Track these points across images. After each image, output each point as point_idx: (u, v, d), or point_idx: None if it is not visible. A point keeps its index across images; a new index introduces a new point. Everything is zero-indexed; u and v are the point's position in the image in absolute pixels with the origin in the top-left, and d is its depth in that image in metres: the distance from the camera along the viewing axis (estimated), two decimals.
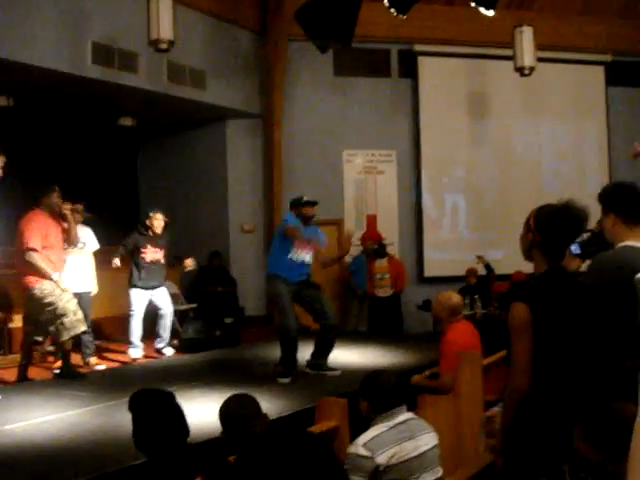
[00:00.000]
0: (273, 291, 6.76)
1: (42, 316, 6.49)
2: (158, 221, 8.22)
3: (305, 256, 6.74)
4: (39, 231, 6.47)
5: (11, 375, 6.99)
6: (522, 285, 3.03)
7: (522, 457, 2.74)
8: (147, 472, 2.85)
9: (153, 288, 8.20)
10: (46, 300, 6.42)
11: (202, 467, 2.72)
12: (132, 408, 2.92)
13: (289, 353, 6.54)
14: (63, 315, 6.37)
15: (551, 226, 2.85)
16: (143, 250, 8.09)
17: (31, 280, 6.45)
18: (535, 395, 2.73)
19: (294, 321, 6.54)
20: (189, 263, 8.70)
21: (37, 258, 6.38)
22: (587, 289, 2.91)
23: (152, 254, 8.14)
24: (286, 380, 6.35)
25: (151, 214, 8.26)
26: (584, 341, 2.77)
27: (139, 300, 8.11)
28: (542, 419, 2.73)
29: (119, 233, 9.10)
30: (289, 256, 6.66)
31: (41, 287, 6.42)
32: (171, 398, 2.96)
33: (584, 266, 4.34)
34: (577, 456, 2.34)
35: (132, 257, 8.17)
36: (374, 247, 10.79)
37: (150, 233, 8.19)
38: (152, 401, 2.93)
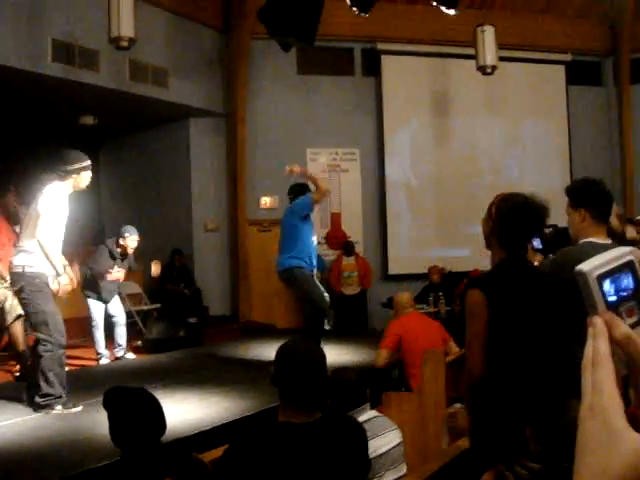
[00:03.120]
0: (301, 278, 6.82)
1: None
2: (133, 242, 7.98)
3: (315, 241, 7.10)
4: None
5: None
6: (478, 276, 3.06)
7: (484, 442, 2.77)
8: (119, 469, 2.83)
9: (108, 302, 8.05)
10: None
11: (172, 467, 2.70)
12: (106, 405, 2.91)
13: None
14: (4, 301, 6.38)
15: (510, 218, 2.87)
16: (110, 271, 7.94)
17: None
18: (491, 383, 2.76)
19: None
20: (155, 271, 8.54)
21: None
22: (546, 280, 2.94)
23: (116, 274, 7.99)
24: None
25: (126, 234, 8.02)
26: (540, 332, 2.80)
27: (98, 310, 7.92)
28: (498, 407, 2.75)
29: (81, 233, 8.97)
30: (308, 242, 6.89)
31: None
32: (145, 394, 2.96)
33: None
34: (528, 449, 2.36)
35: (89, 263, 7.89)
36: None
37: (119, 252, 8.01)
38: (126, 398, 2.92)
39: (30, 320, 5.49)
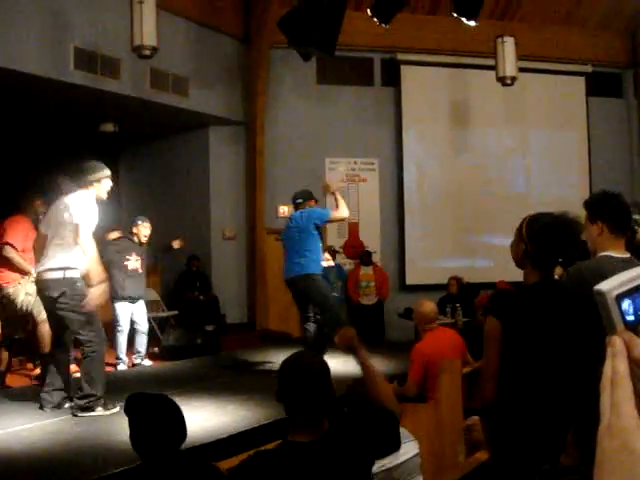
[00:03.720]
0: (321, 283, 7.05)
1: (17, 313, 6.55)
2: (146, 229, 8.11)
3: None
4: (22, 232, 6.57)
5: None
6: (500, 297, 3.05)
7: (507, 461, 2.76)
8: (138, 475, 2.84)
9: (137, 299, 8.03)
10: (19, 299, 6.57)
11: (190, 474, 2.71)
12: (128, 411, 2.92)
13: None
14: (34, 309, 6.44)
15: (544, 237, 2.84)
16: (128, 257, 7.96)
17: (6, 279, 6.53)
18: (510, 405, 2.75)
19: None
20: (177, 243, 8.56)
21: (14, 253, 6.49)
22: (570, 298, 2.93)
23: (134, 262, 8.02)
24: None
25: (139, 222, 8.13)
26: (565, 354, 2.79)
27: (125, 314, 7.91)
28: (520, 429, 2.74)
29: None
30: (321, 250, 7.16)
31: (15, 286, 6.56)
32: (167, 401, 2.97)
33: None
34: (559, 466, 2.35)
35: (110, 266, 7.72)
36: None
37: (135, 240, 8.09)
38: (148, 404, 2.93)
39: (72, 325, 5.44)
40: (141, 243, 8.08)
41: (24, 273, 6.58)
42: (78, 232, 5.36)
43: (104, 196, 5.68)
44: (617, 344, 0.80)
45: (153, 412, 2.86)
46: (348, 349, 2.79)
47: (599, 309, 0.83)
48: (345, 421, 2.48)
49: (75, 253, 5.47)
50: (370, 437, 2.43)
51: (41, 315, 6.62)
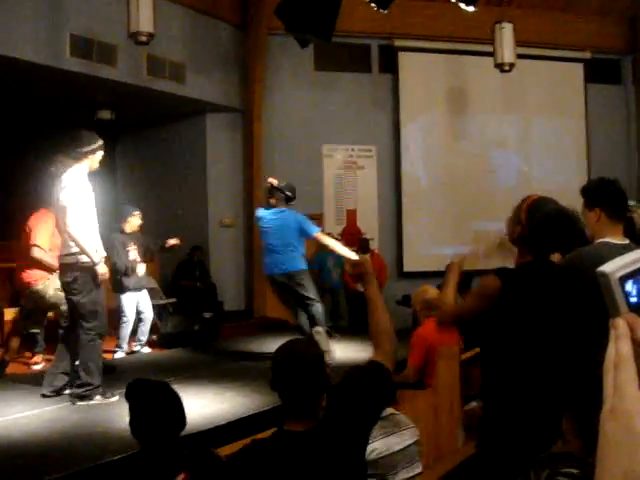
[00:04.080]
0: (309, 278, 7.16)
1: (41, 307, 6.70)
2: (135, 218, 8.04)
3: None
4: (47, 231, 6.60)
5: None
6: (501, 268, 3.03)
7: (497, 453, 2.75)
8: (137, 461, 2.85)
9: (141, 288, 7.98)
10: (48, 294, 6.63)
11: (189, 461, 2.72)
12: (129, 397, 2.93)
13: None
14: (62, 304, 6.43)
15: (543, 229, 2.83)
16: (128, 247, 7.92)
17: (34, 277, 6.65)
18: (507, 391, 2.75)
19: None
20: (172, 241, 8.48)
21: (43, 254, 6.58)
22: (566, 281, 2.92)
23: (134, 252, 7.97)
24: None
25: (130, 212, 8.09)
26: (557, 331, 2.78)
27: (131, 305, 7.86)
28: (513, 414, 2.74)
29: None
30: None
31: (44, 283, 6.63)
32: (167, 388, 2.98)
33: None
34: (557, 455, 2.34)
35: (112, 259, 7.59)
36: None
37: (128, 230, 8.03)
38: (148, 390, 2.94)
39: (79, 310, 5.41)
40: (132, 231, 8.01)
41: (53, 270, 6.54)
42: (65, 215, 5.32)
43: (96, 166, 5.61)
44: (621, 326, 0.79)
45: (154, 398, 2.87)
46: (359, 277, 2.73)
47: (602, 291, 0.82)
48: (337, 401, 2.43)
49: (86, 237, 5.44)
50: (364, 396, 2.39)
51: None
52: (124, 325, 7.83)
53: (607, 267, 0.82)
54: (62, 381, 5.53)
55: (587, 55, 12.95)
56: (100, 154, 5.61)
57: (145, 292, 8.17)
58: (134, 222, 8.00)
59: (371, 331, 2.59)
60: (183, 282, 10.75)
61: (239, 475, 2.28)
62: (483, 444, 2.93)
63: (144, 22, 8.11)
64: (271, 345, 7.68)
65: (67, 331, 5.75)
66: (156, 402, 2.85)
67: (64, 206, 5.32)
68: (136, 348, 8.12)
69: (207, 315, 9.83)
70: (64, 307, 6.22)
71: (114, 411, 5.01)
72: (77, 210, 5.32)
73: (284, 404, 2.36)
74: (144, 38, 8.21)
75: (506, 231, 3.00)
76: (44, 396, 5.46)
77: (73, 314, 5.56)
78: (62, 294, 6.08)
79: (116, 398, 5.33)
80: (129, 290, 7.81)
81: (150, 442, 2.80)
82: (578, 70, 13.04)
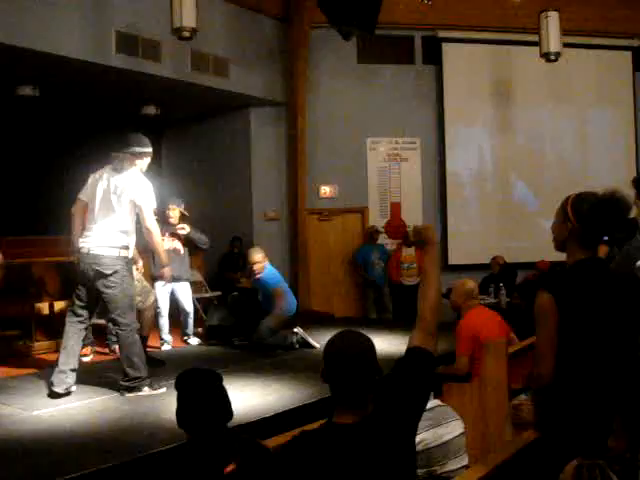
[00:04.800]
0: None
1: None
2: (173, 211, 8.12)
3: None
4: None
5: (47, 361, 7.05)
6: (550, 275, 2.98)
7: (557, 442, 2.72)
8: (186, 452, 2.87)
9: (176, 280, 7.93)
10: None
11: (237, 451, 2.73)
12: (178, 386, 2.93)
13: None
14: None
15: (594, 216, 2.75)
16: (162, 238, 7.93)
17: None
18: (565, 385, 2.71)
19: None
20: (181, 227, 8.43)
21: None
22: (621, 280, 2.86)
23: (169, 242, 7.96)
24: None
25: (166, 205, 8.12)
26: (617, 334, 2.74)
27: (161, 295, 7.95)
28: (573, 409, 2.71)
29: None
30: None
31: None
32: (217, 379, 2.98)
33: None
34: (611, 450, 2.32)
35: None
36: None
37: (166, 223, 8.06)
38: (198, 380, 2.94)
39: (116, 304, 5.46)
40: (170, 224, 8.09)
41: None
42: (144, 215, 5.50)
43: (145, 169, 5.79)
44: None
45: (205, 388, 2.88)
46: (420, 244, 2.66)
47: None
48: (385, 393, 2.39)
49: (130, 234, 5.54)
50: (409, 385, 2.37)
51: (148, 301, 6.73)
52: (158, 317, 7.94)
53: None
54: (73, 378, 5.52)
55: (635, 43, 12.67)
56: (149, 160, 5.82)
57: (185, 284, 8.28)
58: (170, 215, 8.11)
59: (418, 303, 2.58)
60: (228, 275, 10.84)
61: (288, 466, 2.28)
62: (541, 435, 2.90)
63: (187, 18, 8.17)
64: (316, 339, 7.71)
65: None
66: (206, 391, 2.87)
67: (136, 204, 5.51)
68: (185, 338, 8.25)
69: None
70: (142, 298, 6.37)
71: (163, 402, 5.08)
72: (151, 209, 5.56)
73: (334, 395, 2.34)
74: (187, 33, 8.27)
75: (554, 236, 2.92)
76: (56, 395, 5.39)
77: (108, 308, 5.57)
78: (139, 285, 6.20)
79: (164, 389, 5.40)
80: (157, 280, 7.72)
81: (199, 432, 2.82)
82: (626, 58, 12.76)
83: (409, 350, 2.45)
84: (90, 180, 5.77)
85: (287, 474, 2.27)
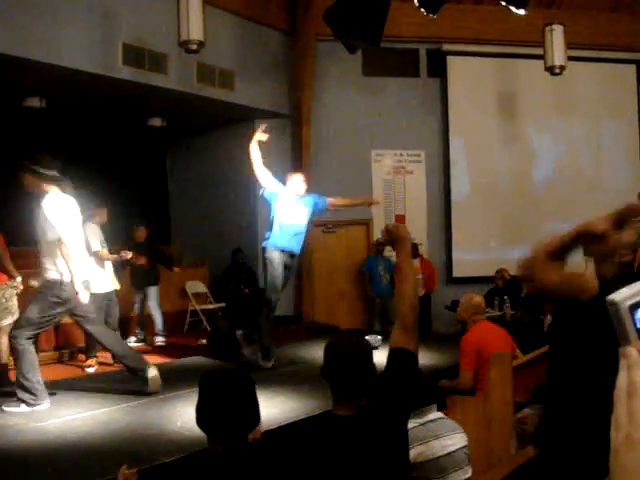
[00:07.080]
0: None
1: None
2: (139, 232, 9.42)
3: None
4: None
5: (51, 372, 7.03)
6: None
7: (560, 460, 2.71)
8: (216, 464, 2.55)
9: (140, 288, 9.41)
10: None
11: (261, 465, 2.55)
12: (201, 384, 2.64)
13: None
14: None
15: None
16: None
17: None
18: (564, 404, 2.70)
19: None
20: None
21: None
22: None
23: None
24: None
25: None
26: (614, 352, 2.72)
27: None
28: (573, 427, 2.70)
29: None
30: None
31: None
32: (246, 380, 2.76)
33: None
34: None
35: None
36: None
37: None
38: (224, 380, 2.71)
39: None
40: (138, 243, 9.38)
41: None
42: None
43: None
44: (632, 355, 0.78)
45: (222, 389, 2.67)
46: (391, 243, 2.74)
47: (612, 319, 0.82)
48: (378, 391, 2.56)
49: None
50: (395, 383, 2.54)
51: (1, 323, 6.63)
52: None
53: (617, 296, 0.82)
54: None
55: (639, 56, 12.69)
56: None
57: (152, 289, 9.42)
58: (136, 235, 9.48)
59: (396, 302, 2.72)
60: (232, 286, 10.86)
61: (292, 451, 2.51)
62: (544, 450, 2.89)
63: (194, 31, 8.21)
64: (320, 350, 7.67)
65: None
66: (223, 392, 2.65)
67: None
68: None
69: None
70: None
71: (168, 413, 5.08)
72: None
73: (332, 389, 2.53)
74: (194, 46, 8.31)
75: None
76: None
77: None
78: None
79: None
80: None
81: (226, 438, 2.56)
82: (630, 71, 12.80)
83: (392, 351, 2.62)
84: None
85: (291, 458, 2.48)
